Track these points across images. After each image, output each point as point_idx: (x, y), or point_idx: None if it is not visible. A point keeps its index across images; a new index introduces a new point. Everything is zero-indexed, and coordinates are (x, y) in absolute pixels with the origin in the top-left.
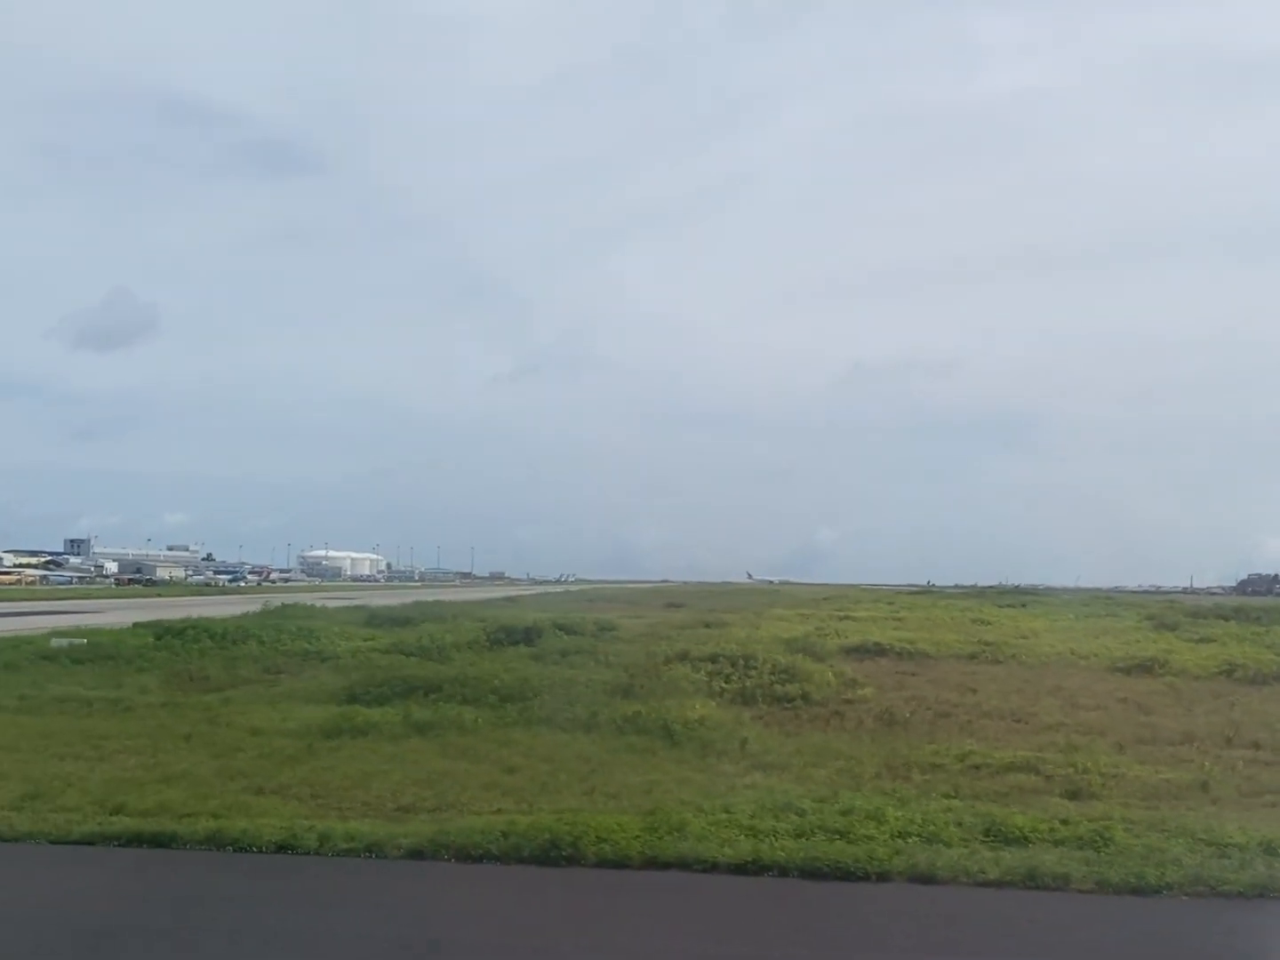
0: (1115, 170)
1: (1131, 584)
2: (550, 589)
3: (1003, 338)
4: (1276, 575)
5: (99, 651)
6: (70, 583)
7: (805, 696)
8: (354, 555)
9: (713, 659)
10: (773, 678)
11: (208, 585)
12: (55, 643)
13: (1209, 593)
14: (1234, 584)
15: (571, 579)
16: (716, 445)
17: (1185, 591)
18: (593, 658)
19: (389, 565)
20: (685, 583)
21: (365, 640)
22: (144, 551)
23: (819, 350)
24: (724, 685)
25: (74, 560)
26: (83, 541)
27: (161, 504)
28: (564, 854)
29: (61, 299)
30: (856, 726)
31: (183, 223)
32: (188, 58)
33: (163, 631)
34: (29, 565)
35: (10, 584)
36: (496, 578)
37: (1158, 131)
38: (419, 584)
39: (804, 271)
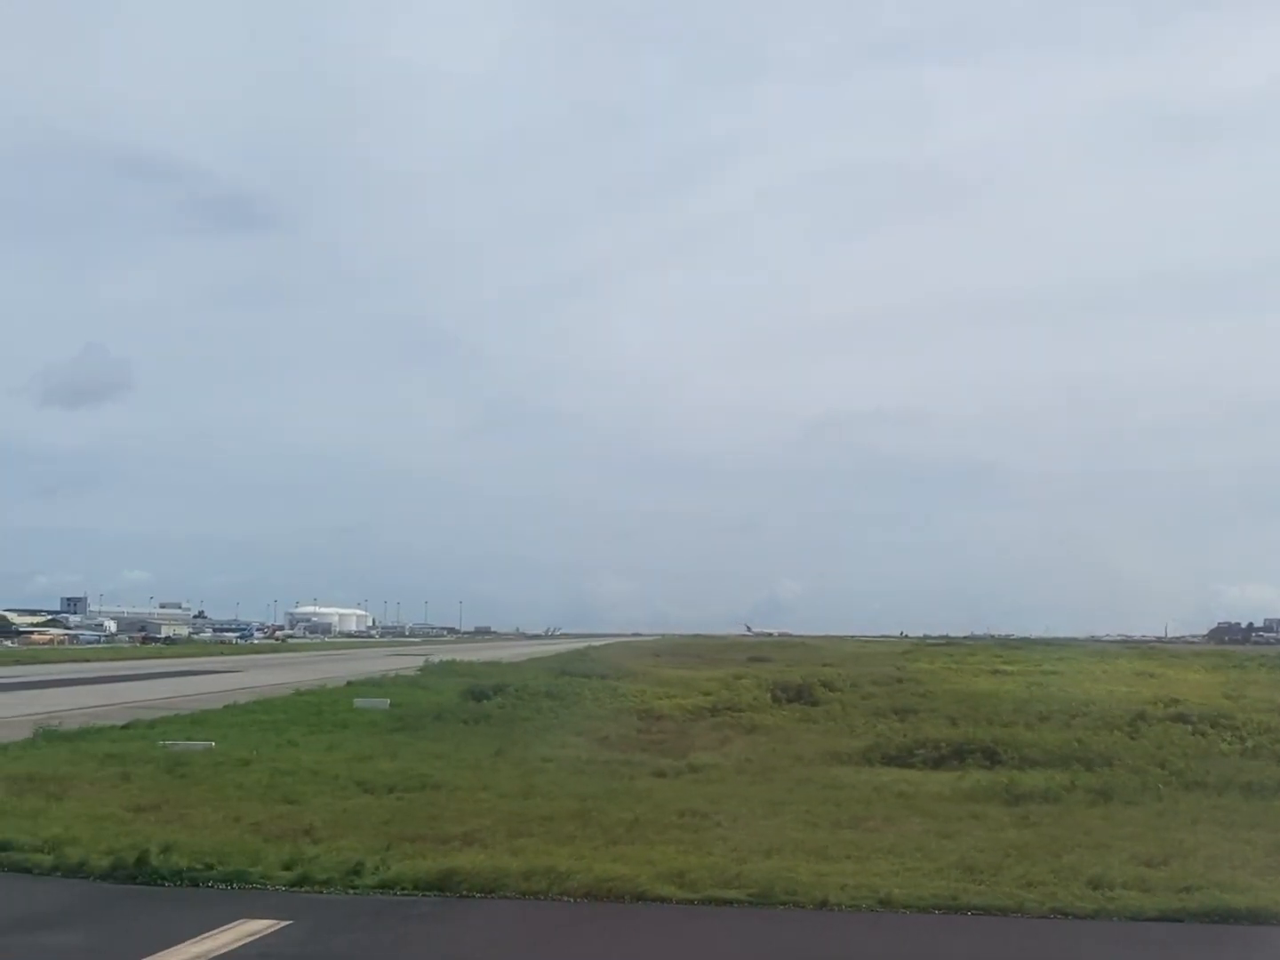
0: (1070, 221)
1: (1101, 632)
2: (559, 643)
3: (966, 388)
4: (1251, 624)
5: (419, 711)
6: (98, 642)
7: None
8: (341, 611)
9: (1180, 718)
10: None
11: (222, 643)
12: (359, 703)
13: (1185, 641)
14: (1205, 633)
15: (557, 633)
16: (684, 496)
17: (1161, 640)
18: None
19: (375, 620)
20: (687, 635)
21: (670, 697)
22: (139, 610)
23: (781, 401)
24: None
25: (73, 619)
26: (80, 600)
27: (121, 561)
28: None
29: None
30: None
31: (141, 279)
32: (141, 113)
33: (479, 692)
34: (48, 625)
35: (44, 643)
36: (483, 632)
37: (1109, 182)
38: (418, 640)
39: (763, 323)
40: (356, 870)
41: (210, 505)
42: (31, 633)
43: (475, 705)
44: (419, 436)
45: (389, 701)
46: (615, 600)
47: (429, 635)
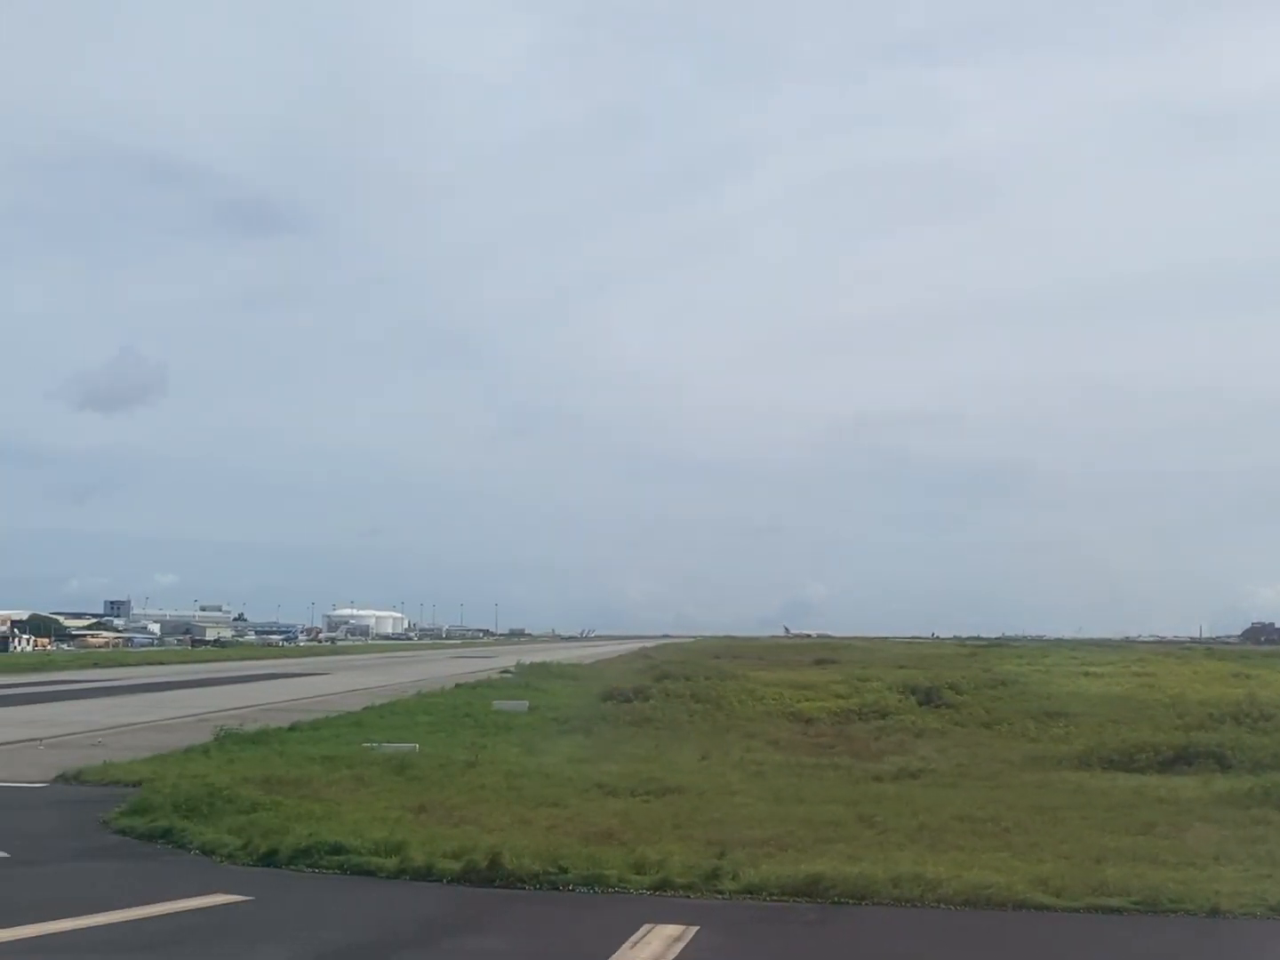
0: (1095, 219)
1: (1133, 633)
2: (601, 644)
3: (994, 389)
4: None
5: (567, 714)
6: (151, 645)
7: None
8: (378, 613)
9: None
10: None
11: (268, 645)
12: (498, 705)
13: (1221, 642)
14: (1240, 633)
15: (592, 634)
16: (710, 498)
17: (1196, 641)
18: None
19: (410, 623)
20: (723, 637)
21: (808, 700)
22: (181, 613)
23: (806, 403)
24: None
25: (117, 622)
26: (123, 603)
27: (152, 564)
28: None
29: (43, 360)
30: None
31: (171, 283)
32: (168, 120)
33: (622, 694)
34: (94, 628)
35: (99, 646)
36: (517, 634)
37: (1132, 180)
38: (457, 642)
39: (789, 324)
40: (714, 874)
41: (239, 508)
42: (84, 636)
43: (627, 707)
44: (447, 439)
45: (527, 704)
46: (642, 602)
47: (466, 637)
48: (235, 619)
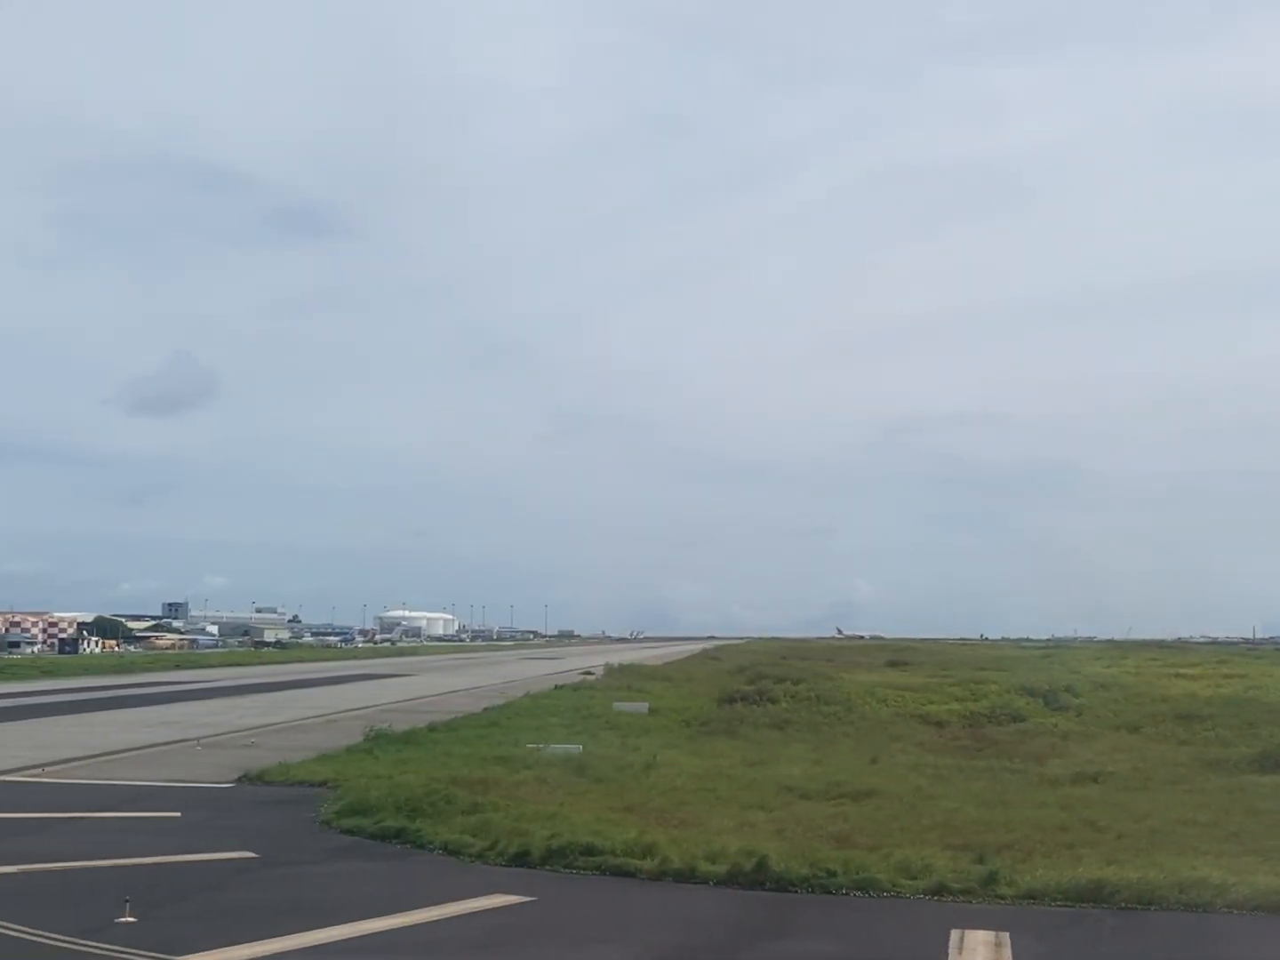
0: (1145, 218)
1: (1184, 634)
2: (657, 646)
3: (1044, 389)
4: None
5: (693, 716)
6: (216, 646)
7: None
8: (429, 615)
9: None
10: None
11: (328, 647)
12: (619, 706)
13: (1275, 643)
14: None
15: (641, 635)
16: (756, 500)
17: (1250, 642)
18: None
19: (461, 624)
20: (774, 638)
21: (931, 703)
22: (238, 614)
23: (853, 404)
24: None
25: (175, 623)
26: (181, 605)
27: (202, 567)
28: None
29: (98, 366)
30: None
31: (222, 290)
32: (219, 126)
33: (746, 696)
34: (155, 630)
35: (166, 648)
36: (566, 635)
37: (1185, 178)
38: (510, 643)
39: (835, 325)
40: (990, 879)
41: (288, 511)
42: (149, 638)
43: (758, 710)
44: (494, 442)
45: (647, 706)
46: (688, 604)
47: (516, 638)
48: (290, 621)
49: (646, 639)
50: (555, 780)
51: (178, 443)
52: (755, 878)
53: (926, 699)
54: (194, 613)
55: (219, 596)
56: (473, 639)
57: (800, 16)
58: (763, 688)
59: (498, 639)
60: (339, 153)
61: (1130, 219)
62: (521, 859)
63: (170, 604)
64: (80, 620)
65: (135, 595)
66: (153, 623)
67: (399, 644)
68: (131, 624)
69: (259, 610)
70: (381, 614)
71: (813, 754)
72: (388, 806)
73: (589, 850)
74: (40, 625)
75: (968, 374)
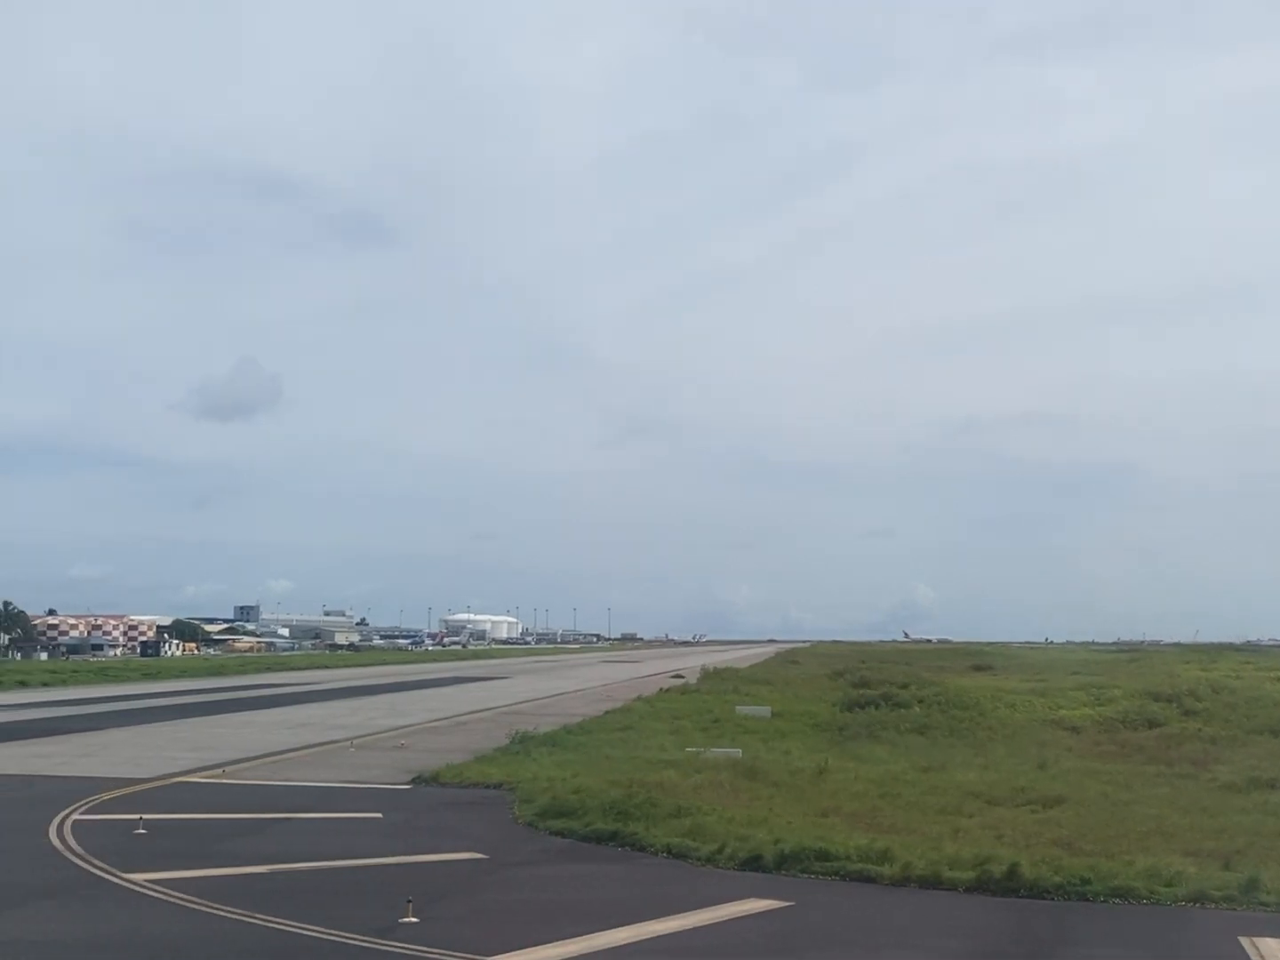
0: (1209, 216)
1: (1253, 636)
2: (729, 650)
3: (1112, 389)
4: None
5: (818, 721)
6: (292, 649)
7: None
8: (494, 618)
9: None
10: None
11: (399, 650)
12: (741, 710)
13: None
14: None
15: (704, 638)
16: (816, 503)
17: None
18: None
19: (525, 627)
20: (837, 641)
21: (1059, 708)
22: (307, 617)
23: (910, 405)
24: None
25: (247, 626)
26: (252, 608)
27: (266, 570)
28: None
29: (165, 372)
30: None
31: (282, 295)
32: (273, 135)
33: (871, 700)
34: (228, 633)
35: (244, 650)
36: (629, 638)
37: (1247, 175)
38: (576, 645)
39: (895, 326)
40: (1252, 886)
41: (349, 514)
42: (227, 640)
43: (892, 715)
44: (552, 447)
45: (770, 710)
46: (746, 606)
47: (580, 641)
48: (357, 624)
49: (708, 642)
50: (730, 784)
51: (242, 447)
52: (1007, 885)
53: (1055, 704)
54: (265, 616)
55: (283, 600)
56: (537, 642)
57: (857, 18)
58: (888, 692)
59: (561, 642)
60: (397, 159)
61: (1193, 217)
62: (753, 863)
63: (242, 607)
64: (159, 623)
65: (201, 598)
66: (225, 626)
67: (469, 647)
68: (206, 627)
69: (327, 613)
70: (446, 617)
71: (975, 759)
72: (592, 810)
73: (823, 855)
74: (120, 628)
75: (1030, 374)
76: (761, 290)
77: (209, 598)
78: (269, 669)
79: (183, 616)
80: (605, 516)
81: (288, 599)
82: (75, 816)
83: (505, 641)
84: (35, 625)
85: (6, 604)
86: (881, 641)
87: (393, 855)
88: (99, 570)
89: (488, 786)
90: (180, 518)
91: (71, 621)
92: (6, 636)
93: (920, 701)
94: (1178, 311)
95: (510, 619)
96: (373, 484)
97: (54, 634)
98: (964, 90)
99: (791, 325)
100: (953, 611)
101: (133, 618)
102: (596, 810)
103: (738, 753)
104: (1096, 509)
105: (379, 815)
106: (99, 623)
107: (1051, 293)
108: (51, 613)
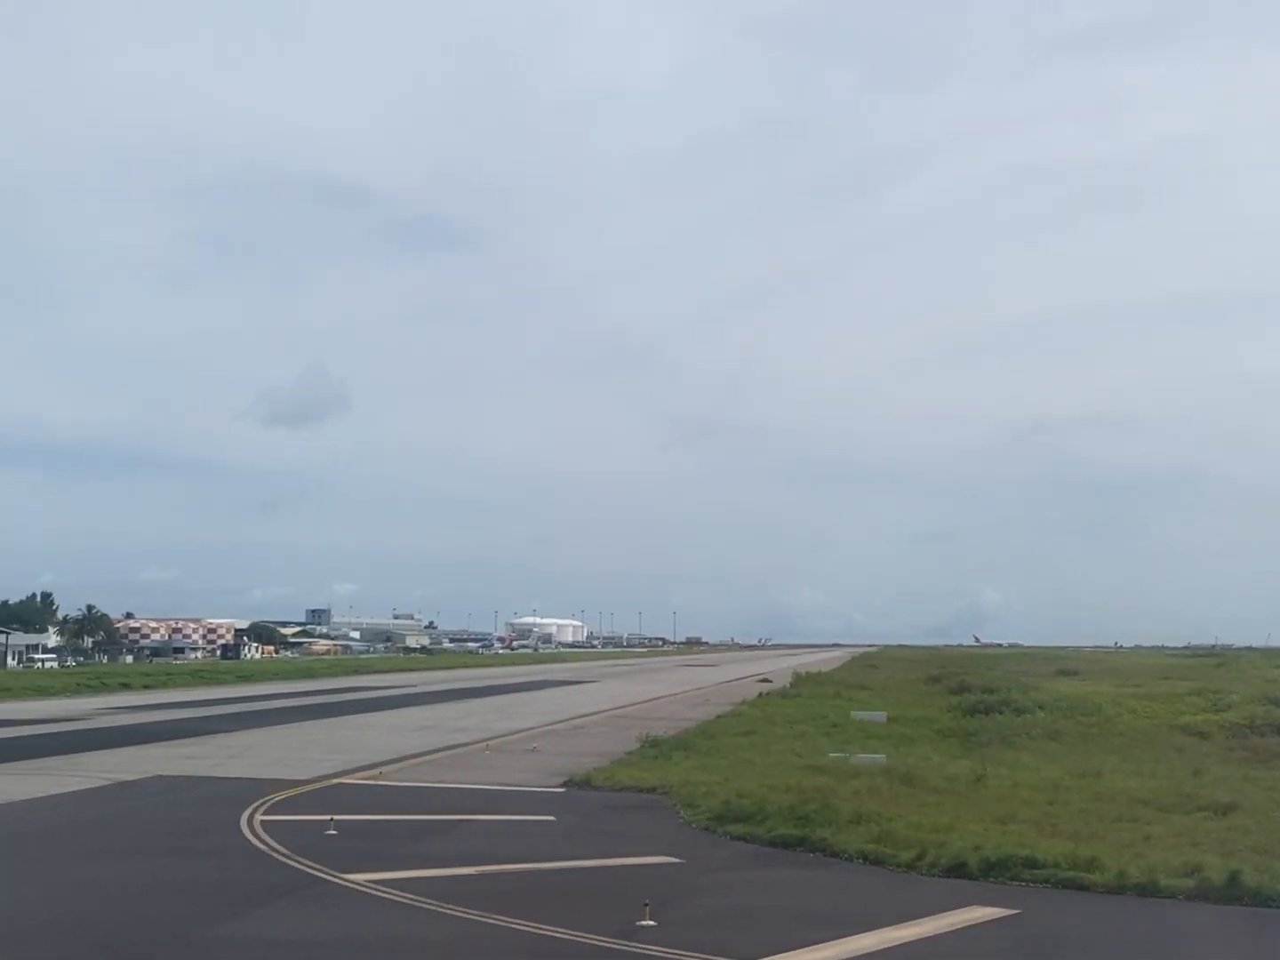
0: (1266, 215)
1: None
2: (798, 654)
3: (1180, 390)
4: None
5: (937, 727)
6: (367, 652)
7: None
8: (559, 621)
9: None
10: None
11: (470, 653)
12: (857, 715)
13: None
14: None
15: (769, 642)
16: (879, 505)
17: None
18: None
19: (589, 631)
20: (897, 645)
21: (1183, 714)
22: (378, 620)
23: (973, 407)
24: None
25: (319, 629)
26: (323, 611)
27: (331, 574)
28: None
29: (233, 379)
30: None
31: (348, 302)
32: (339, 142)
33: (989, 707)
34: (301, 636)
35: (322, 653)
36: (694, 642)
37: None
38: (643, 649)
39: (959, 326)
40: None
41: (412, 518)
42: (305, 643)
43: (1018, 720)
44: (614, 450)
45: (885, 715)
46: (808, 610)
47: (647, 644)
48: (426, 627)
49: (773, 645)
50: (889, 790)
51: (308, 452)
52: (1229, 892)
53: (1175, 710)
54: (335, 619)
55: (349, 603)
56: (603, 645)
57: (915, 19)
58: (1006, 697)
59: (627, 645)
60: (461, 164)
61: (1258, 215)
62: (957, 870)
63: (313, 610)
64: (236, 626)
65: (268, 601)
66: (298, 629)
67: (539, 650)
68: (284, 630)
69: (396, 616)
70: (512, 620)
71: (1124, 765)
72: (772, 815)
73: (1030, 863)
74: (200, 631)
75: (1098, 375)
76: (825, 292)
77: (276, 601)
78: (355, 672)
79: (256, 620)
80: (667, 519)
81: (353, 602)
82: (260, 817)
83: (571, 645)
84: (117, 628)
85: (90, 607)
86: (948, 645)
87: (588, 858)
88: (169, 574)
89: (641, 790)
90: (247, 522)
91: (153, 625)
92: (90, 640)
93: (1040, 707)
94: (1247, 310)
95: (575, 623)
96: (436, 488)
97: (135, 637)
98: (1027, 89)
99: (856, 327)
100: (1018, 615)
101: (210, 621)
102: (777, 816)
103: (882, 758)
104: (1165, 511)
105: (552, 818)
106: (178, 626)
107: (1119, 292)
108: (129, 616)
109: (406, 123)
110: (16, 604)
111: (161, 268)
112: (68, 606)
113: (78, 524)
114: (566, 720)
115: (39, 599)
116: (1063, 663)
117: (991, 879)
